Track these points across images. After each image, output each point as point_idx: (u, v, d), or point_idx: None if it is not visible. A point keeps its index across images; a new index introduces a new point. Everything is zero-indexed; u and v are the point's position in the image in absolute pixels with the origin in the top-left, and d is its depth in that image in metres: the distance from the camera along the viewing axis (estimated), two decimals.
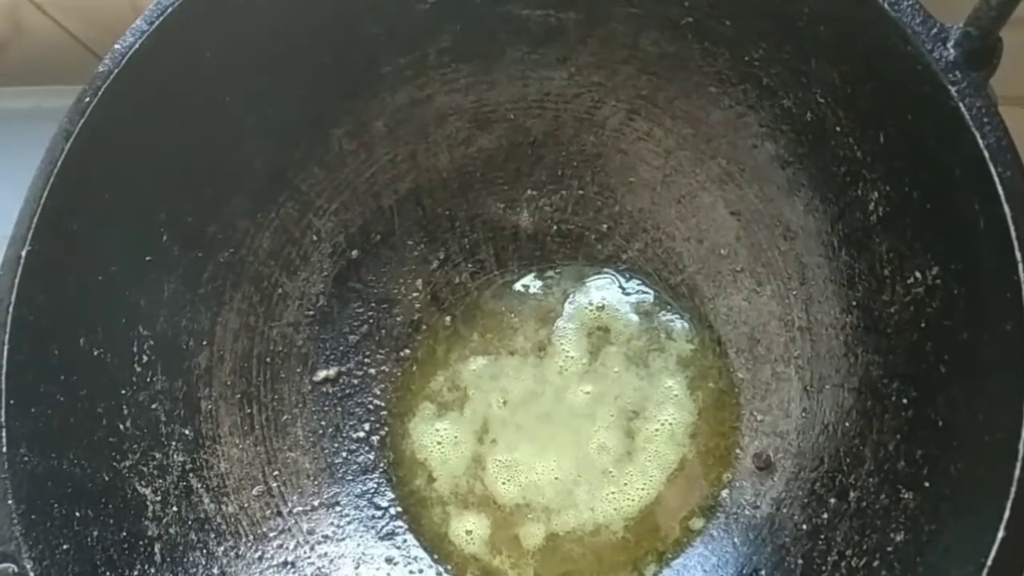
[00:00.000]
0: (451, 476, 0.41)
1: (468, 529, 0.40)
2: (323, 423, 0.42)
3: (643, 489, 0.39)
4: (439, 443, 0.42)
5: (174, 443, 0.38)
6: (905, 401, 0.33)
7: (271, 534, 0.39)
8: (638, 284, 0.42)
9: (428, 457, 0.42)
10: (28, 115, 0.48)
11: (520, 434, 0.41)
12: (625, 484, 0.39)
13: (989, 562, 0.27)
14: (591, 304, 0.42)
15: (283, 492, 0.40)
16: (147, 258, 0.38)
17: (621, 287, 0.42)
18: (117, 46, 0.35)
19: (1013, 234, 0.28)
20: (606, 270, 0.42)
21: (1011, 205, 0.28)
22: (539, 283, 0.43)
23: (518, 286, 0.43)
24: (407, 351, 0.43)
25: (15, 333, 0.34)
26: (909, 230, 0.32)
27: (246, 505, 0.39)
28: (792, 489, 0.36)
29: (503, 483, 0.40)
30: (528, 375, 0.42)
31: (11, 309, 0.34)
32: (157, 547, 0.37)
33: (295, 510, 0.40)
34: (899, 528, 0.32)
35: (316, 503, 0.40)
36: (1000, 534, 0.26)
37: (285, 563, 0.39)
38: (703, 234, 0.40)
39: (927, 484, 0.31)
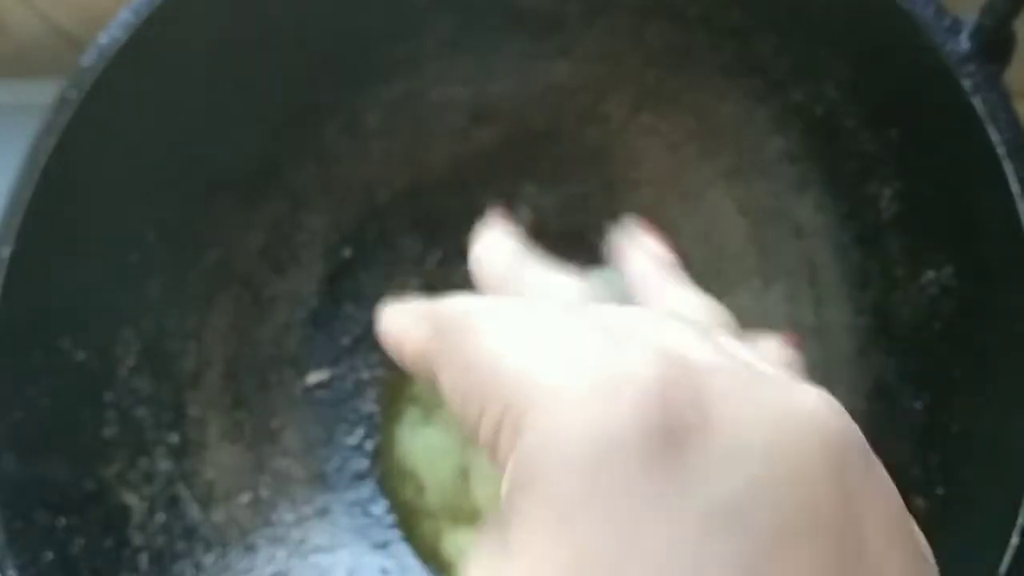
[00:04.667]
0: (439, 487, 0.40)
1: (460, 544, 0.40)
2: (315, 429, 0.41)
3: None
4: (427, 450, 0.41)
5: (160, 449, 0.38)
6: (918, 405, 0.33)
7: (261, 543, 0.39)
8: None
9: (416, 465, 0.41)
10: (10, 110, 0.48)
11: None
12: None
13: (1004, 569, 0.27)
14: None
15: (274, 500, 0.40)
16: (133, 258, 0.37)
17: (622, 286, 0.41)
18: (102, 39, 0.34)
19: None
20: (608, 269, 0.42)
21: None
22: None
23: None
24: None
25: None
26: (922, 228, 0.32)
27: (235, 514, 0.39)
28: None
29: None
30: None
31: None
32: (143, 557, 0.36)
33: (286, 519, 0.40)
34: None
35: (308, 512, 0.40)
36: (1014, 540, 0.26)
37: (276, 574, 0.38)
38: (710, 232, 0.39)
39: (940, 490, 0.31)
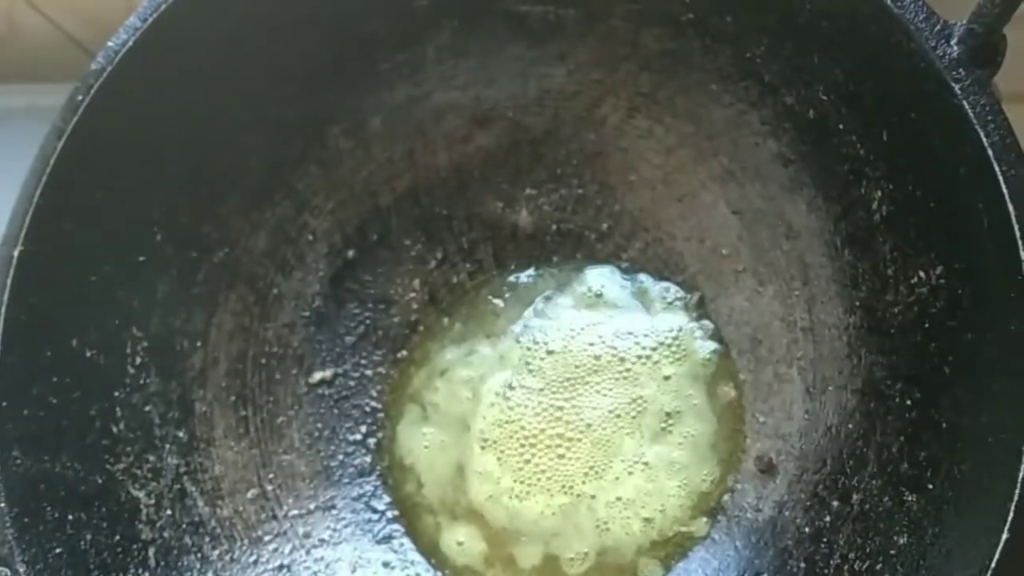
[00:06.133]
0: (437, 484, 0.40)
1: (459, 540, 0.40)
2: (319, 425, 0.41)
3: None
4: (426, 447, 0.41)
5: (168, 446, 0.38)
6: (909, 402, 0.33)
7: (266, 538, 0.39)
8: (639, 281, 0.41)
9: (415, 462, 0.41)
10: (20, 113, 0.48)
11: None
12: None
13: (992, 564, 0.27)
14: (590, 291, 0.41)
15: (278, 495, 0.40)
16: (140, 258, 0.38)
17: (621, 281, 0.41)
18: (110, 43, 0.35)
19: (1017, 233, 0.27)
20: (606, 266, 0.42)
21: (1015, 204, 0.28)
22: (538, 279, 0.42)
23: (516, 283, 0.42)
24: (404, 352, 0.43)
25: (7, 334, 0.34)
26: (913, 229, 0.32)
27: (241, 508, 0.39)
28: (794, 492, 0.36)
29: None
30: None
31: (3, 310, 0.34)
32: (151, 551, 0.36)
33: (290, 513, 0.40)
34: (902, 531, 0.31)
35: (312, 506, 0.40)
36: (1004, 536, 0.26)
37: (280, 567, 0.39)
38: (704, 233, 0.40)
39: (930, 486, 0.31)
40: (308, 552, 0.39)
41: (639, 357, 0.39)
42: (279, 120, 0.39)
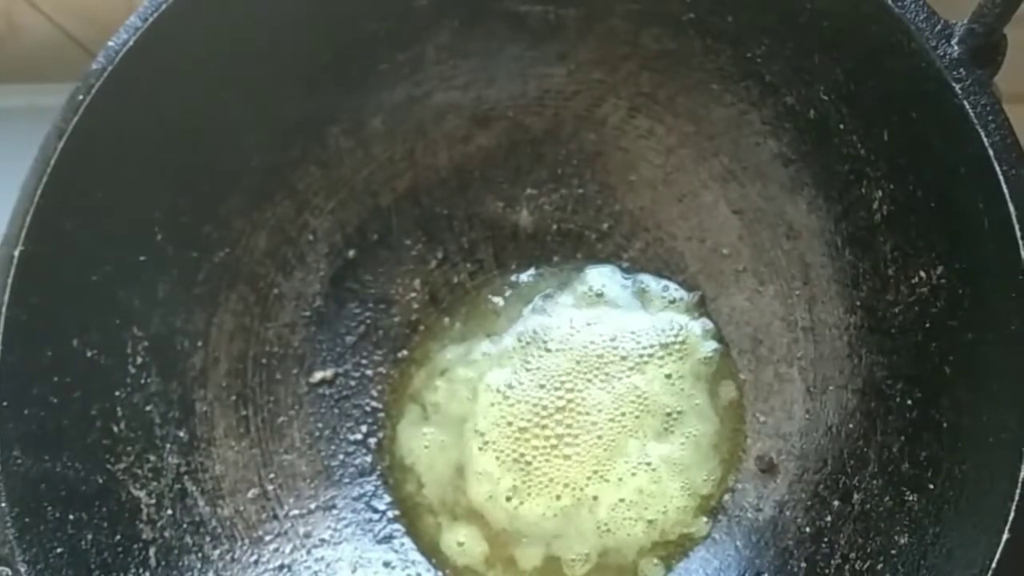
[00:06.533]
0: (438, 484, 0.40)
1: (460, 541, 0.40)
2: (319, 425, 0.41)
3: None
4: (426, 447, 0.41)
5: (169, 445, 0.38)
6: (909, 402, 0.33)
7: (267, 537, 0.39)
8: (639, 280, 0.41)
9: (416, 462, 0.41)
10: (21, 113, 0.48)
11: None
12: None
13: (993, 564, 0.27)
14: (590, 290, 0.41)
15: (279, 495, 0.40)
16: (141, 258, 0.38)
17: (622, 280, 0.41)
18: (111, 43, 0.35)
19: (1018, 233, 0.28)
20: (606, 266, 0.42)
21: (1016, 204, 0.28)
22: (539, 279, 0.42)
23: (517, 283, 0.42)
24: (404, 352, 0.43)
25: (8, 334, 0.34)
26: (913, 229, 0.32)
27: (241, 508, 0.39)
28: (795, 491, 0.36)
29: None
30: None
31: (4, 309, 0.34)
32: (152, 551, 0.37)
33: (291, 513, 0.40)
34: (903, 531, 0.31)
35: (313, 506, 0.40)
36: (1005, 536, 0.26)
37: (281, 567, 0.39)
38: (705, 233, 0.40)
39: (931, 486, 0.31)
40: (309, 552, 0.39)
41: (640, 356, 0.39)
42: (279, 120, 0.39)
